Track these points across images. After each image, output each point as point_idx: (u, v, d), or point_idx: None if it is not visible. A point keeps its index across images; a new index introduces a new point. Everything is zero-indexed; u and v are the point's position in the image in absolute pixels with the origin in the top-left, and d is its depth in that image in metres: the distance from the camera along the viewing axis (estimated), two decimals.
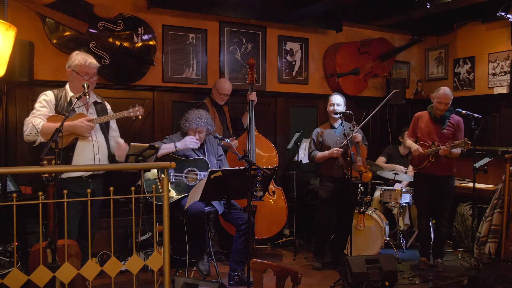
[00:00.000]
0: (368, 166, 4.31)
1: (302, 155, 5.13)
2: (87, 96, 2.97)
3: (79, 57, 3.18)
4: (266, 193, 4.52)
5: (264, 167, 3.37)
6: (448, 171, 4.32)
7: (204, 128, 3.93)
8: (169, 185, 3.78)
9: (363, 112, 5.88)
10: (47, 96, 3.13)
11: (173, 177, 3.85)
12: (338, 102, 4.31)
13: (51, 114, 3.06)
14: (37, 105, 3.12)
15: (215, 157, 4.12)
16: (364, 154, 4.25)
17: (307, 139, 4.70)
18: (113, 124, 3.46)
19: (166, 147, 3.84)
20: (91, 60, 3.21)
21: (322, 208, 4.34)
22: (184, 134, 4.01)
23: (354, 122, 4.18)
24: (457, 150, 4.18)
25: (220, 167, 4.01)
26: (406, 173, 5.09)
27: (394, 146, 5.67)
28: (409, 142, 4.46)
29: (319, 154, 4.29)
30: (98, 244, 4.12)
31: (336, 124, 4.38)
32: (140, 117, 3.31)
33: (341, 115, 4.15)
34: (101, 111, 3.35)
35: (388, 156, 5.52)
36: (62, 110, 3.11)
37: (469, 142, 4.09)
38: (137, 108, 3.29)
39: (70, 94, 3.19)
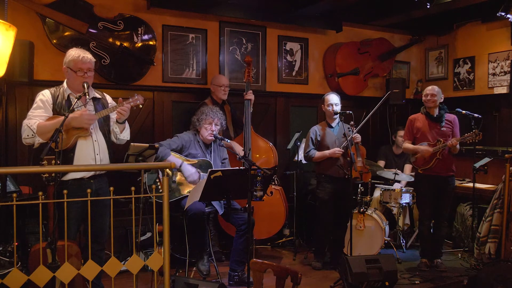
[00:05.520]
0: (367, 166, 4.31)
1: (302, 155, 5.12)
2: (87, 96, 2.94)
3: (72, 52, 3.09)
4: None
5: (264, 167, 3.37)
6: (451, 170, 4.33)
7: (219, 120, 4.05)
8: (172, 184, 3.83)
9: (363, 112, 5.89)
10: (44, 96, 3.05)
11: (175, 177, 3.86)
12: (335, 102, 4.32)
13: (47, 115, 2.99)
14: (32, 106, 3.04)
15: (220, 159, 4.17)
16: (363, 155, 4.25)
17: None
18: (114, 116, 3.27)
19: (172, 160, 3.84)
20: (85, 55, 3.09)
21: (323, 208, 4.33)
22: (196, 131, 4.07)
23: (353, 123, 4.18)
24: (458, 145, 4.21)
25: None
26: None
27: (388, 146, 5.66)
28: (412, 146, 4.37)
29: (317, 153, 4.28)
30: None
31: (334, 124, 4.38)
32: (141, 106, 3.20)
33: (341, 115, 4.16)
34: (100, 106, 3.21)
35: (385, 157, 5.51)
36: (61, 108, 3.03)
37: (480, 133, 4.11)
38: (136, 97, 3.17)
39: (68, 91, 3.10)
